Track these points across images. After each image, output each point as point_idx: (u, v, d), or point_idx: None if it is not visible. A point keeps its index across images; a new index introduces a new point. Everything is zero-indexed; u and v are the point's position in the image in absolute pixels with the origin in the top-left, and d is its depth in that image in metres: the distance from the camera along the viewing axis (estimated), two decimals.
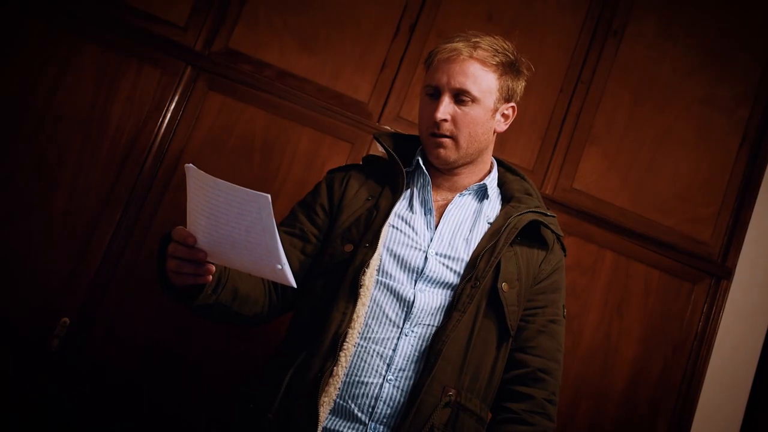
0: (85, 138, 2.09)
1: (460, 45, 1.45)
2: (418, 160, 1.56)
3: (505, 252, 1.43)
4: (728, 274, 2.39)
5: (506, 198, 1.57)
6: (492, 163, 1.62)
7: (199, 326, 2.08)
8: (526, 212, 1.48)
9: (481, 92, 1.46)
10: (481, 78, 1.45)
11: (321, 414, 1.34)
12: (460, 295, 1.39)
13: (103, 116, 2.10)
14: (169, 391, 2.06)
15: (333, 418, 1.36)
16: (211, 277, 1.24)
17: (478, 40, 1.46)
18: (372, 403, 1.35)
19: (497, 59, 1.47)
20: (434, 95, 1.48)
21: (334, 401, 1.36)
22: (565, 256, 1.59)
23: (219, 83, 2.17)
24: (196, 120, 2.15)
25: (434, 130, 1.47)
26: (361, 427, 1.35)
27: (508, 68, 1.49)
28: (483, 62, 1.45)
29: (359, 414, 1.35)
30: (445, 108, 1.45)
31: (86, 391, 2.02)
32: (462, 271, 1.43)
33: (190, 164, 1.11)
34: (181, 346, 2.08)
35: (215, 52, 2.19)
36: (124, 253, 2.08)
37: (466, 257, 1.44)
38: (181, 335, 2.08)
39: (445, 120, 1.45)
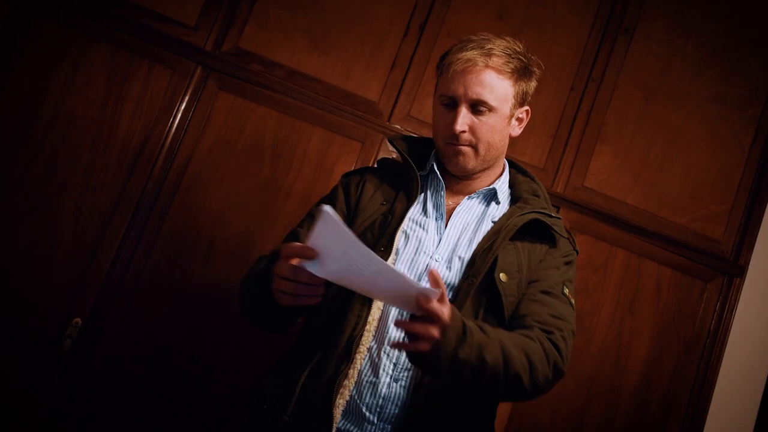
0: (96, 138, 2.10)
1: (474, 54, 1.43)
2: (432, 165, 1.56)
3: (505, 246, 1.42)
4: (741, 272, 2.38)
5: (515, 199, 1.57)
6: (504, 165, 1.62)
7: (208, 327, 2.08)
8: (529, 213, 1.47)
9: (498, 101, 1.44)
10: (497, 87, 1.44)
11: (336, 415, 1.34)
12: (457, 293, 1.39)
13: (114, 116, 2.11)
14: (179, 392, 2.06)
15: (344, 418, 1.37)
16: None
17: (491, 46, 1.44)
18: (380, 403, 1.36)
19: (512, 66, 1.45)
20: (450, 105, 1.46)
21: (347, 402, 1.36)
22: (576, 253, 1.57)
23: (229, 83, 2.17)
24: (206, 120, 2.15)
25: (452, 141, 1.47)
26: (369, 426, 1.35)
27: (522, 73, 1.48)
28: (498, 70, 1.44)
29: (368, 414, 1.36)
30: (463, 119, 1.44)
31: (97, 392, 2.03)
32: (463, 270, 1.43)
33: (328, 207, 1.07)
34: (191, 347, 2.08)
35: (225, 52, 2.19)
36: (135, 254, 2.08)
37: (467, 257, 1.44)
38: (191, 336, 2.08)
39: (464, 131, 1.45)
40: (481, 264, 1.40)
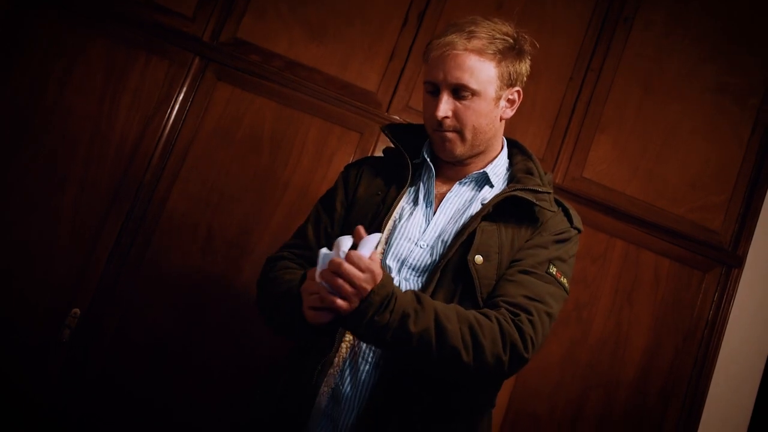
0: (95, 131, 2.09)
1: (453, 38, 1.40)
2: (423, 152, 1.55)
3: (484, 226, 1.40)
4: (739, 262, 2.39)
5: (511, 179, 1.54)
6: (502, 146, 1.58)
7: (207, 320, 2.09)
8: (513, 190, 1.44)
9: (480, 84, 1.41)
10: (478, 70, 1.41)
11: (318, 400, 1.37)
12: (429, 276, 1.39)
13: (112, 109, 2.11)
14: (178, 387, 2.06)
15: (329, 403, 1.39)
16: None
17: (472, 28, 1.41)
18: (360, 389, 1.37)
19: (494, 47, 1.41)
20: (434, 92, 1.45)
21: (332, 389, 1.38)
22: (576, 230, 1.51)
23: (227, 74, 2.17)
24: (204, 111, 2.15)
25: (438, 128, 1.45)
26: (352, 411, 1.37)
27: (507, 53, 1.44)
28: (479, 52, 1.40)
29: (351, 399, 1.38)
30: (445, 105, 1.42)
31: (97, 386, 2.03)
32: (442, 253, 1.42)
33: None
34: (190, 341, 2.08)
35: (223, 43, 2.18)
36: (133, 245, 2.08)
37: (450, 240, 1.43)
38: (190, 329, 2.09)
39: (447, 117, 1.43)
40: (452, 246, 1.38)
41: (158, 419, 2.04)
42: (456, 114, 1.43)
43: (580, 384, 2.27)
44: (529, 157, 1.58)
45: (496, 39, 1.42)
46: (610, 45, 2.39)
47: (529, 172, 1.52)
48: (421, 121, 2.16)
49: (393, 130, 1.58)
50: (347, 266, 1.16)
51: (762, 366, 2.42)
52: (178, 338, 2.08)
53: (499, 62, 1.43)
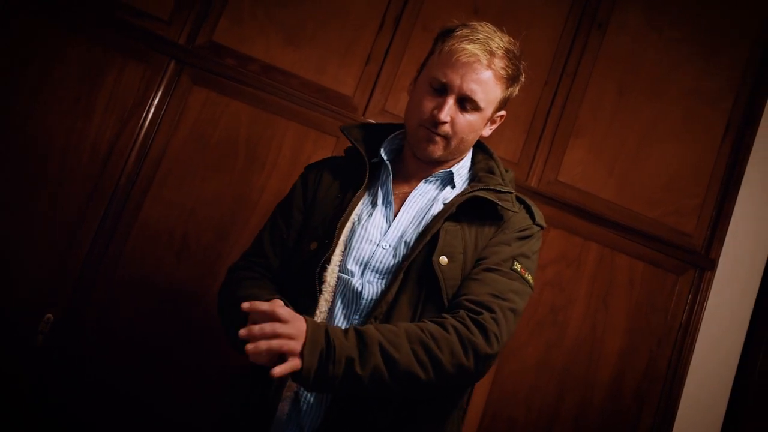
0: (70, 132, 2.08)
1: (479, 50, 1.41)
2: (380, 152, 1.55)
3: (448, 227, 1.40)
4: (712, 265, 2.42)
5: (473, 179, 1.55)
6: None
7: (191, 325, 2.08)
8: (476, 191, 1.45)
9: (487, 102, 1.44)
10: (490, 89, 1.43)
11: (281, 406, 1.38)
12: (390, 280, 1.39)
13: (88, 110, 2.09)
14: (161, 386, 2.05)
15: (293, 408, 1.39)
16: None
17: (496, 47, 1.43)
18: (317, 394, 1.37)
19: (508, 71, 1.44)
20: (440, 91, 1.44)
21: (294, 392, 1.39)
22: (539, 227, 1.52)
23: (203, 78, 2.16)
24: (180, 114, 2.14)
25: (430, 126, 1.45)
26: (319, 417, 1.37)
27: (514, 80, 1.48)
28: (497, 73, 1.43)
29: (315, 402, 1.38)
30: (449, 110, 1.42)
31: (75, 387, 2.02)
32: (405, 254, 1.42)
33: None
34: (173, 340, 2.07)
35: (199, 46, 2.17)
36: (109, 247, 2.07)
37: (413, 241, 1.43)
38: (172, 329, 2.08)
39: (446, 122, 1.43)
40: (415, 247, 1.38)
41: (144, 413, 2.04)
42: (453, 122, 1.44)
43: (556, 387, 2.29)
44: (490, 156, 1.60)
45: (511, 63, 1.45)
46: (585, 49, 2.41)
47: (491, 171, 1.53)
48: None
49: (352, 130, 1.58)
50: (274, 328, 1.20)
51: (735, 367, 2.44)
52: (158, 333, 2.06)
53: (506, 88, 1.46)
